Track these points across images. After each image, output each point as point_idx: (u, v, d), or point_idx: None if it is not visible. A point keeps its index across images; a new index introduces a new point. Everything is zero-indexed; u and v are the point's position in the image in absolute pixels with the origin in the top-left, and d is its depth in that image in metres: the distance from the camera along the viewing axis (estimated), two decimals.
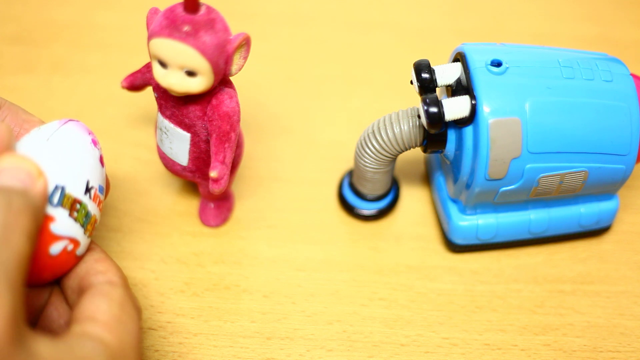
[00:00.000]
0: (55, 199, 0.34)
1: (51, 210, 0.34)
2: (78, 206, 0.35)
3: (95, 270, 0.36)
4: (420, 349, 0.42)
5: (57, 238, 0.34)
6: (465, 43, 0.42)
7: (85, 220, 0.35)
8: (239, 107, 0.40)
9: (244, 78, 0.45)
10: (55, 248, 0.34)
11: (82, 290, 0.35)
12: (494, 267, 0.46)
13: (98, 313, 0.33)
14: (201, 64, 0.36)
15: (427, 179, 0.50)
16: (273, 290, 0.44)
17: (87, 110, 0.52)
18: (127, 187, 0.49)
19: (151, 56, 0.38)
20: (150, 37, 0.37)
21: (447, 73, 0.41)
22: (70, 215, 0.34)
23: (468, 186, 0.42)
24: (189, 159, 0.42)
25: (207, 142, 0.41)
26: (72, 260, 0.35)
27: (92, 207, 0.36)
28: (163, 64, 0.37)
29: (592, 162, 0.41)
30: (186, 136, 0.41)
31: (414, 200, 0.49)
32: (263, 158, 0.50)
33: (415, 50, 0.57)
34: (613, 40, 0.59)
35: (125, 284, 0.35)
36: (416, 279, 0.45)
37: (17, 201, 0.31)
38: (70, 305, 0.36)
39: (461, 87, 0.41)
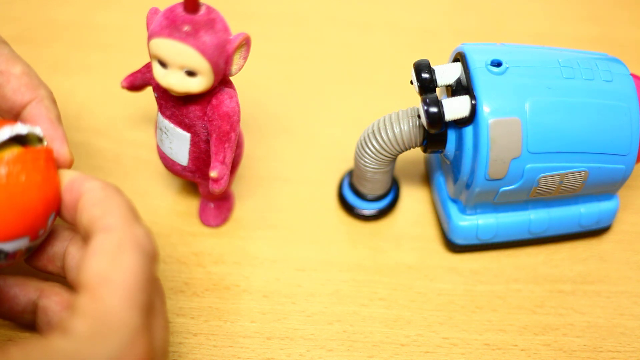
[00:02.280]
0: None
1: None
2: None
3: (92, 217, 0.32)
4: (420, 349, 0.42)
5: None
6: (465, 43, 0.42)
7: None
8: (239, 107, 0.40)
9: (244, 78, 0.45)
10: None
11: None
12: (494, 267, 0.46)
13: (85, 278, 0.30)
14: (201, 64, 0.37)
15: (427, 179, 0.50)
16: (273, 290, 0.44)
17: (87, 110, 0.52)
18: (127, 187, 0.48)
19: (151, 56, 0.38)
20: (150, 37, 0.37)
21: (447, 73, 0.41)
22: None
23: (468, 186, 0.42)
24: (189, 159, 0.42)
25: (207, 142, 0.41)
26: None
27: None
28: (163, 64, 0.37)
29: (592, 162, 0.41)
30: (186, 136, 0.41)
31: (414, 200, 0.49)
32: (263, 158, 0.50)
33: (415, 50, 0.57)
34: (613, 40, 0.59)
35: (126, 222, 0.32)
36: (416, 279, 0.45)
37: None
38: None
39: (461, 87, 0.41)
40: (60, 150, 0.36)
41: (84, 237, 0.33)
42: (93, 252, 0.31)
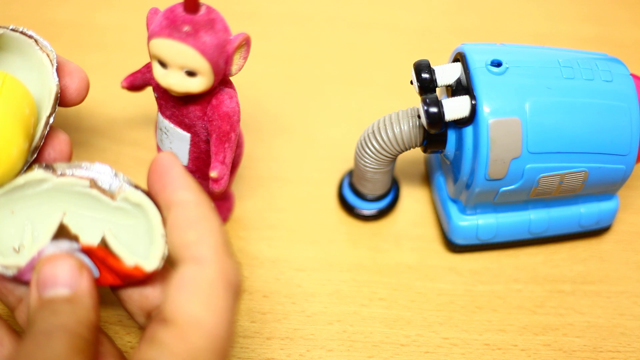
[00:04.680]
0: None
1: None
2: None
3: (184, 242, 0.31)
4: (420, 349, 0.42)
5: None
6: (465, 43, 0.42)
7: None
8: (239, 107, 0.40)
9: (244, 78, 0.45)
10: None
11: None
12: (494, 267, 0.46)
13: (176, 314, 0.29)
14: (201, 64, 0.36)
15: (427, 179, 0.50)
16: (273, 290, 0.44)
17: (87, 110, 0.52)
18: None
19: (151, 56, 0.38)
20: (150, 37, 0.37)
21: (447, 73, 0.41)
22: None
23: (468, 186, 0.42)
24: (189, 159, 0.42)
25: (207, 142, 0.41)
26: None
27: None
28: (163, 64, 0.37)
29: (592, 162, 0.41)
30: (186, 136, 0.41)
31: (414, 200, 0.49)
32: (263, 158, 0.50)
33: (415, 50, 0.57)
34: (613, 40, 0.59)
35: (219, 256, 0.30)
36: (416, 279, 0.45)
37: (63, 316, 0.30)
38: None
39: (461, 87, 0.41)
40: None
41: (172, 256, 0.32)
42: (183, 286, 0.30)
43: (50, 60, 0.38)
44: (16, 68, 0.38)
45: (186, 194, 0.32)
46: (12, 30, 0.38)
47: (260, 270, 0.45)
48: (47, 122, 0.37)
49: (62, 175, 0.34)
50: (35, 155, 0.37)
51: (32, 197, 0.35)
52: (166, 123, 0.41)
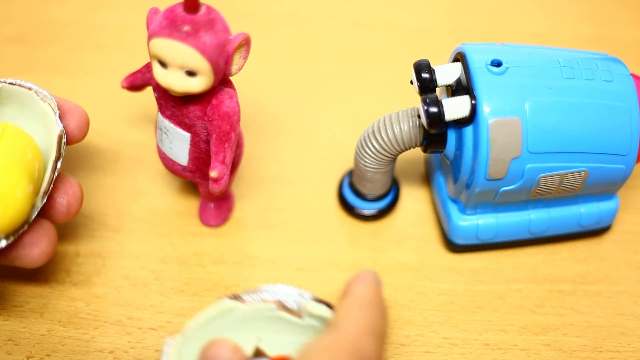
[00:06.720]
0: None
1: None
2: None
3: (335, 314, 0.34)
4: (420, 349, 0.42)
5: None
6: (465, 43, 0.42)
7: None
8: (239, 107, 0.40)
9: (244, 78, 0.45)
10: None
11: None
12: (494, 267, 0.46)
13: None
14: (201, 64, 0.37)
15: (427, 179, 0.50)
16: None
17: (87, 110, 0.52)
18: (127, 187, 0.49)
19: (151, 56, 0.38)
20: (150, 37, 0.37)
21: (447, 73, 0.41)
22: None
23: (468, 186, 0.42)
24: (189, 159, 0.42)
25: (207, 142, 0.41)
26: None
27: None
28: (163, 64, 0.37)
29: (592, 162, 0.41)
30: (186, 136, 0.41)
31: (414, 200, 0.49)
32: (263, 158, 0.50)
33: (415, 50, 0.57)
34: (613, 40, 0.59)
35: (360, 331, 0.33)
36: (416, 279, 0.45)
37: None
38: None
39: (461, 87, 0.41)
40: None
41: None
42: (312, 344, 0.32)
43: (52, 109, 0.39)
44: (21, 120, 0.39)
45: (366, 291, 0.35)
46: (10, 84, 0.38)
47: (260, 270, 0.45)
48: (54, 167, 0.38)
49: (250, 302, 0.36)
50: (45, 200, 0.37)
51: (225, 327, 0.36)
52: (166, 123, 0.41)
